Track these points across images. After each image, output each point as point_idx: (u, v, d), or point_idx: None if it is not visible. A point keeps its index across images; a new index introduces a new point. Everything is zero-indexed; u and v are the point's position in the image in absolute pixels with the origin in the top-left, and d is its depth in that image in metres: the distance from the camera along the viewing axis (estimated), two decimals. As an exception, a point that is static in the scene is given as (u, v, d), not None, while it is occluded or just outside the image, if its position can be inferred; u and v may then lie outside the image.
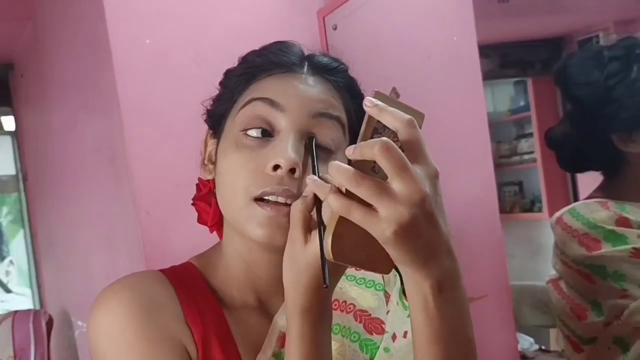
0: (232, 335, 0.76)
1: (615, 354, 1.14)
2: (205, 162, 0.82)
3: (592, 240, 1.17)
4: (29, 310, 2.51)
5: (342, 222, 0.57)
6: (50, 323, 2.41)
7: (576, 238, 1.19)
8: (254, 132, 0.74)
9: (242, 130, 0.75)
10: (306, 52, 0.81)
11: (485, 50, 1.63)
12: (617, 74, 1.19)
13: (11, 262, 4.27)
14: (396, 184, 0.54)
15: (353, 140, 0.75)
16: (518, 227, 2.16)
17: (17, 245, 4.11)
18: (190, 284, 0.79)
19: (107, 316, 0.72)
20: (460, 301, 0.60)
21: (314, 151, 0.70)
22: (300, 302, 0.65)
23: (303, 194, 0.67)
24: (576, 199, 1.68)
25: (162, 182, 1.36)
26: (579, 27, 1.73)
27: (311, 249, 0.63)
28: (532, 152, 2.15)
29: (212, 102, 0.83)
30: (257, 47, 0.83)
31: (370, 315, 0.80)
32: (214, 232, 0.87)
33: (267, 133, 0.74)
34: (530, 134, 2.16)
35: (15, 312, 2.46)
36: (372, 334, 0.79)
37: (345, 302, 0.81)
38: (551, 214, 1.31)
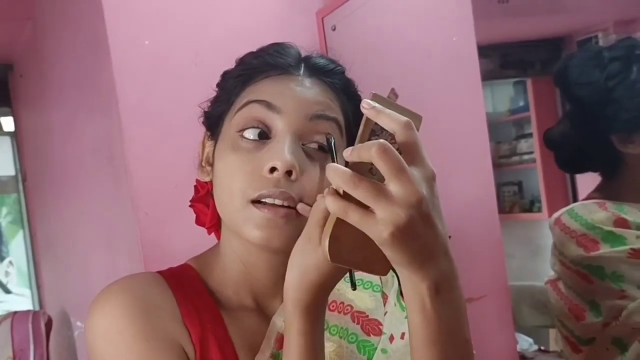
0: (229, 336, 0.76)
1: (613, 354, 1.14)
2: (203, 164, 0.83)
3: (590, 241, 1.17)
4: (28, 311, 2.51)
5: (340, 223, 0.57)
6: (49, 324, 2.41)
7: (574, 239, 1.20)
8: (250, 134, 0.74)
9: (239, 132, 0.75)
10: (303, 54, 0.81)
11: (485, 50, 1.63)
12: (617, 75, 1.19)
13: (10, 262, 4.27)
14: (393, 186, 0.54)
15: (350, 142, 0.76)
16: (517, 227, 2.16)
17: (17, 245, 4.11)
18: (188, 286, 0.79)
19: (104, 317, 0.72)
20: (458, 302, 0.60)
21: (334, 152, 0.70)
22: (303, 299, 0.65)
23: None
24: (575, 199, 1.68)
25: (161, 183, 1.37)
26: (579, 27, 1.73)
27: None
28: (531, 153, 2.15)
29: (209, 104, 0.83)
30: (256, 48, 0.83)
31: (367, 316, 0.80)
32: (212, 233, 0.87)
33: (264, 135, 0.74)
34: (530, 134, 2.16)
35: (15, 312, 2.46)
36: (370, 335, 0.79)
37: (342, 303, 0.81)
38: (550, 214, 1.31)
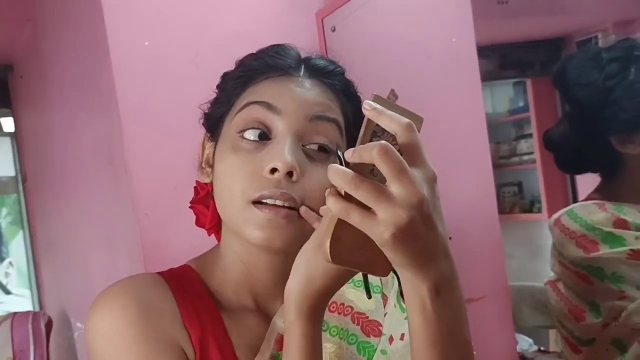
0: (229, 337, 0.76)
1: (613, 355, 1.15)
2: (203, 165, 0.83)
3: (590, 242, 1.17)
4: (28, 312, 2.50)
5: (341, 224, 0.57)
6: (49, 324, 2.41)
7: (574, 240, 1.20)
8: (251, 135, 0.75)
9: (239, 134, 0.75)
10: (303, 55, 0.81)
11: (485, 51, 1.63)
12: (616, 76, 1.20)
13: (10, 263, 4.28)
14: (394, 187, 0.54)
15: (350, 143, 0.76)
16: (517, 227, 2.16)
17: (17, 246, 4.12)
18: (188, 287, 0.79)
19: (104, 319, 0.72)
20: (458, 303, 0.60)
21: (342, 162, 0.70)
22: (307, 304, 0.65)
23: None
24: (575, 200, 1.68)
25: (161, 183, 1.36)
26: (578, 28, 1.73)
27: None
28: (531, 153, 2.15)
29: (209, 106, 0.84)
30: (256, 49, 0.83)
31: (367, 317, 0.80)
32: (212, 235, 0.87)
33: (264, 136, 0.75)
34: (530, 135, 2.16)
35: (15, 313, 2.46)
36: (370, 337, 0.79)
37: (343, 304, 0.81)
38: (550, 215, 1.31)
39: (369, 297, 0.65)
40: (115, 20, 1.37)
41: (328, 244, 0.57)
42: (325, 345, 0.75)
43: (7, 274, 4.28)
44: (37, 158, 3.00)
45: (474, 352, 0.64)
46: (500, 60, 1.95)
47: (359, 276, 0.83)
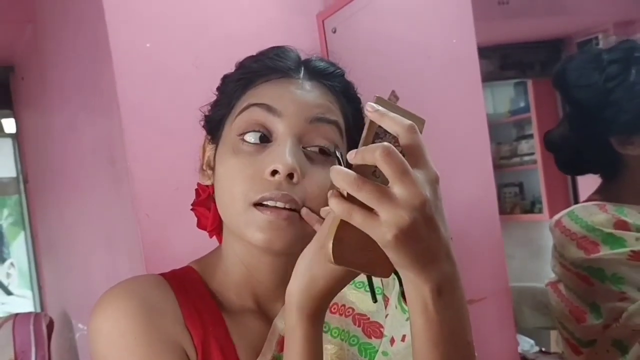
0: (231, 338, 0.76)
1: (614, 356, 1.15)
2: (204, 167, 0.83)
3: (591, 243, 1.17)
4: (29, 313, 2.50)
5: (343, 225, 0.57)
6: (50, 325, 2.41)
7: (574, 241, 1.20)
8: (251, 138, 0.75)
9: (240, 136, 0.75)
10: (303, 57, 0.81)
11: (485, 52, 1.63)
12: (616, 77, 1.20)
13: (12, 264, 4.28)
14: (397, 189, 0.54)
15: (351, 145, 0.76)
16: (518, 228, 2.17)
17: (18, 247, 4.12)
18: (190, 288, 0.79)
19: (107, 320, 0.72)
20: (460, 305, 0.60)
21: (341, 161, 0.70)
22: (309, 306, 0.65)
23: None
24: (576, 201, 1.69)
25: (162, 185, 1.36)
26: (579, 28, 1.73)
27: None
28: (532, 154, 2.15)
29: (209, 108, 0.84)
30: (256, 51, 0.83)
31: (369, 319, 0.80)
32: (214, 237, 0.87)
33: (265, 138, 0.75)
34: (531, 135, 2.16)
35: (16, 314, 2.46)
36: (371, 338, 0.79)
37: (344, 305, 0.81)
38: (551, 216, 1.31)
39: (375, 301, 0.65)
40: (117, 22, 1.38)
41: (331, 245, 0.57)
42: (326, 346, 0.75)
43: (8, 275, 4.29)
44: (38, 159, 3.00)
45: (476, 354, 0.64)
46: (500, 60, 1.95)
47: (359, 277, 0.83)
